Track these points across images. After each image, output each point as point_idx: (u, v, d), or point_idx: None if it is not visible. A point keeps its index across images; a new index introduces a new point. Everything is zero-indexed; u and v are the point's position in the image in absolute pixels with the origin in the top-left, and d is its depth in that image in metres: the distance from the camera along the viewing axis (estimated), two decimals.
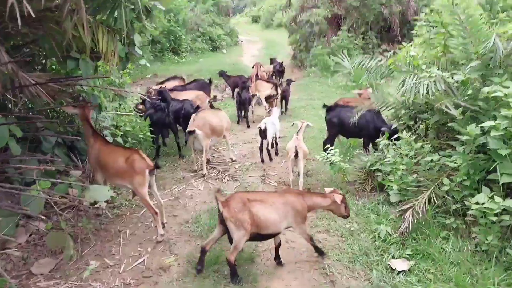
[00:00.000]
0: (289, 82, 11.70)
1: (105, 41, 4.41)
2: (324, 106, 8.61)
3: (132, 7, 5.07)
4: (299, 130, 6.62)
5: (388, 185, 5.21)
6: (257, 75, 13.25)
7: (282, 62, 14.72)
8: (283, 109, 11.34)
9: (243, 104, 10.35)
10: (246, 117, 10.53)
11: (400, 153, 5.25)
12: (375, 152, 6.07)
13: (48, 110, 6.31)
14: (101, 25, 4.47)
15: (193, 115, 7.25)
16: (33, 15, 3.06)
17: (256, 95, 10.81)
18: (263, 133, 7.40)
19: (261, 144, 7.63)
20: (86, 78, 5.05)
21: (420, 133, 6.04)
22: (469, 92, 4.71)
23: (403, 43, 8.07)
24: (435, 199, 4.71)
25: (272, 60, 13.85)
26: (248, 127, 10.28)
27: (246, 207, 3.99)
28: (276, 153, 8.10)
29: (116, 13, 4.43)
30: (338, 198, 4.31)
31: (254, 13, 52.49)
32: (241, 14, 62.49)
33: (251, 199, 4.10)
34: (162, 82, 10.08)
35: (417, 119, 6.32)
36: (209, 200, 6.14)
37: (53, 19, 4.53)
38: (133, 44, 5.83)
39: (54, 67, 6.51)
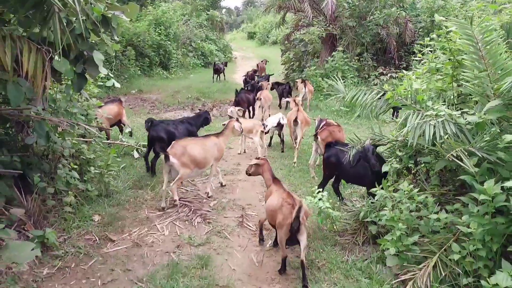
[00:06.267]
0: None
1: (32, 60, 3.49)
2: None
3: (84, 18, 4.21)
4: (298, 104, 9.09)
5: (385, 245, 4.28)
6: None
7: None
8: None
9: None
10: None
11: (399, 208, 4.32)
12: (369, 199, 5.15)
13: None
14: (29, 40, 3.56)
15: (173, 142, 6.40)
16: None
17: (261, 99, 11.58)
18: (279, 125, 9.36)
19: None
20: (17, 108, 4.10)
21: (421, 178, 5.17)
22: (486, 138, 3.82)
23: (404, 70, 7.26)
24: (442, 270, 3.80)
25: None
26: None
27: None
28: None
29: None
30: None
31: (250, 29, 52.19)
32: (238, 30, 62.22)
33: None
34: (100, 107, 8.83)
35: (418, 160, 5.46)
36: (172, 250, 5.20)
37: None
38: (93, 63, 4.94)
39: None
